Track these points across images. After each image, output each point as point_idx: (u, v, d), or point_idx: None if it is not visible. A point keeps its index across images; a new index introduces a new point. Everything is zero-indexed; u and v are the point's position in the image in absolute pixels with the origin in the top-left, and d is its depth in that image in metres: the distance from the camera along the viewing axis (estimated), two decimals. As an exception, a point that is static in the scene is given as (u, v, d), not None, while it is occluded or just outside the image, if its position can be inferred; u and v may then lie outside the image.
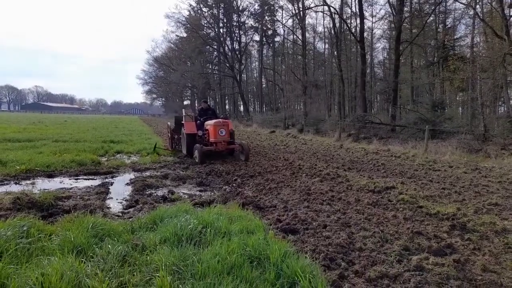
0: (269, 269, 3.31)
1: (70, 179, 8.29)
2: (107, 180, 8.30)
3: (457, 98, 31.45)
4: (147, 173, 9.27)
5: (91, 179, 8.45)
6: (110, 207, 5.93)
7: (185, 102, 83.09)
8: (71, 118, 55.89)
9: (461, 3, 25.98)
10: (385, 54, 42.63)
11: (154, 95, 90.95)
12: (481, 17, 20.97)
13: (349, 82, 36.32)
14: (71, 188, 7.21)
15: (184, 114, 12.64)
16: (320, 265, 3.54)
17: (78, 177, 8.56)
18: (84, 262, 3.33)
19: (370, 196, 6.82)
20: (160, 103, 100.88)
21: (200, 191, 7.47)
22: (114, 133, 22.22)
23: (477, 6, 23.72)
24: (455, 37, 30.43)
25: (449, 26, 30.80)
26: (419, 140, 16.55)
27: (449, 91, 29.43)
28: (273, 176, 8.88)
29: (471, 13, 25.75)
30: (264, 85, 53.68)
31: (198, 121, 12.73)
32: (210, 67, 58.24)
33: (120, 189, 7.42)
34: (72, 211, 5.12)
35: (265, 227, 4.63)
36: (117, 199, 6.52)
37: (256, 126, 33.61)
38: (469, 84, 21.72)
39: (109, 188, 7.38)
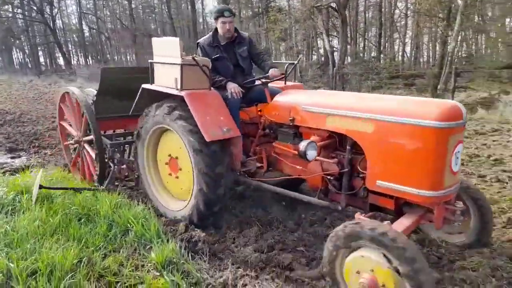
0: (100, 223, 3.24)
1: None
2: None
3: (280, 48, 35.06)
4: None
5: None
6: None
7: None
8: None
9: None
10: (216, 4, 43.14)
11: None
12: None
13: (182, 31, 35.65)
14: None
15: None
16: (153, 210, 3.67)
17: None
18: None
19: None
20: None
21: (13, 157, 6.39)
22: None
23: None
24: (275, -12, 32.94)
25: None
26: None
27: (272, 41, 32.39)
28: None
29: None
30: (86, 34, 47.43)
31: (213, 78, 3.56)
32: (11, 10, 47.37)
33: None
34: None
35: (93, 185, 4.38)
36: None
37: (82, 81, 29.88)
38: (287, 34, 24.35)
39: None
